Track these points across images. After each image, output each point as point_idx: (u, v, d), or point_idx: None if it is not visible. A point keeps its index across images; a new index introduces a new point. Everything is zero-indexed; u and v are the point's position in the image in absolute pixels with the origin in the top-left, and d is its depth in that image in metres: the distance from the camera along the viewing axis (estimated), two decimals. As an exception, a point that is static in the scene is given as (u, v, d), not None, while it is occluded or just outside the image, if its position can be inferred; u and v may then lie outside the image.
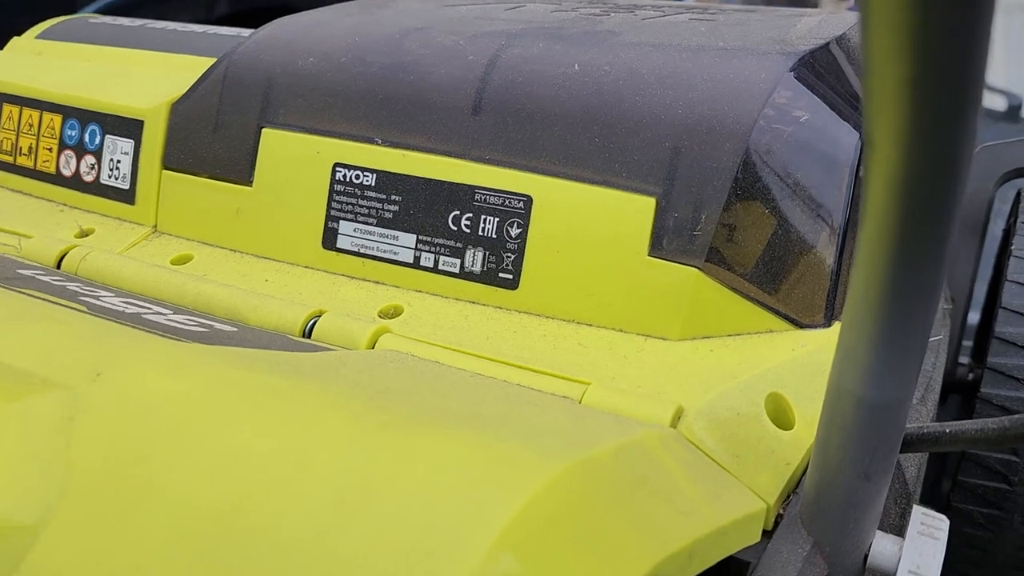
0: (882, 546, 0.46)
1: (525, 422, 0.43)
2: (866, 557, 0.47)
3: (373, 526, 0.32)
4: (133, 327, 0.50)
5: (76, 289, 0.59)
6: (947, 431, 0.46)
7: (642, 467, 0.42)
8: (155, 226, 0.74)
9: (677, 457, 0.45)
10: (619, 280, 0.56)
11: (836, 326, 0.57)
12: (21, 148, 0.82)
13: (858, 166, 0.58)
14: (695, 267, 0.54)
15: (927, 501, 0.96)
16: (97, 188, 0.77)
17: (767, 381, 0.52)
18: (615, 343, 0.55)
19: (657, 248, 0.55)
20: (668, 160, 0.55)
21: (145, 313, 0.56)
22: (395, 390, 0.45)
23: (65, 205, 0.79)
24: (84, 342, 0.47)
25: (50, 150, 0.80)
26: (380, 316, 0.61)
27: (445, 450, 0.36)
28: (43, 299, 0.52)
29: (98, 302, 0.57)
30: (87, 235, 0.74)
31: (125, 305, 0.58)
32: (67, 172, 0.79)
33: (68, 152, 0.79)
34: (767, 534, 0.48)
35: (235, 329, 0.56)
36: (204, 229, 0.71)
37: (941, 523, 0.47)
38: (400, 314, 0.60)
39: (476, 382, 0.50)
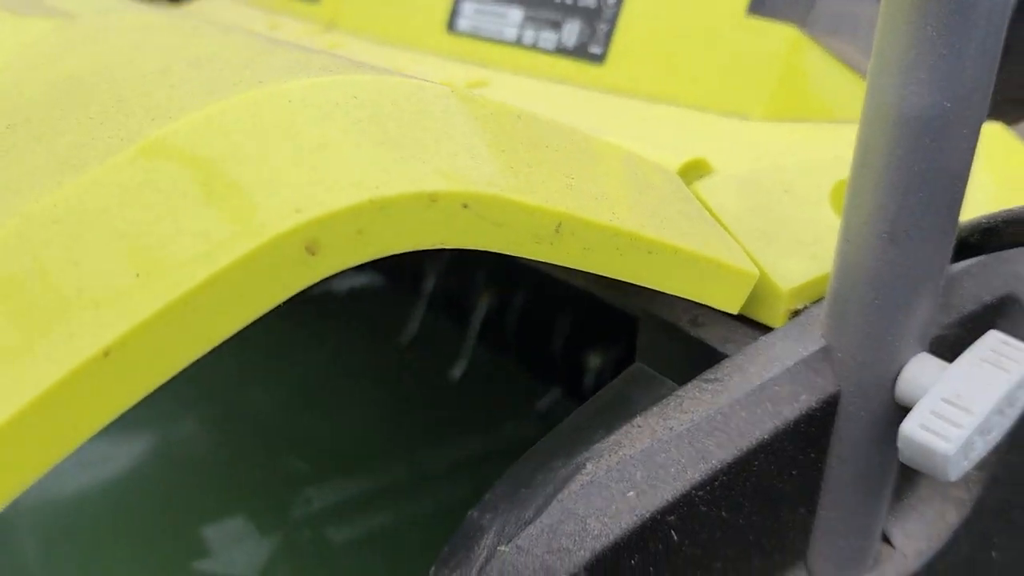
0: (919, 366, 0.32)
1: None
2: (896, 381, 0.33)
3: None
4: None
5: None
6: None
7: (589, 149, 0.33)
8: (331, 23, 0.74)
9: (655, 181, 0.35)
10: (708, 48, 0.46)
11: (987, 125, 0.42)
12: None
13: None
14: (796, 24, 0.43)
15: None
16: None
17: (846, 167, 0.39)
18: (685, 119, 0.45)
19: (758, 4, 0.44)
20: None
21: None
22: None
23: (269, 9, 0.82)
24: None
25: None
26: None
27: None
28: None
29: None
30: (273, 28, 0.76)
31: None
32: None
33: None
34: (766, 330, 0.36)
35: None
36: (359, 22, 0.70)
37: (1022, 354, 0.32)
38: (482, 87, 0.54)
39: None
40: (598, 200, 0.31)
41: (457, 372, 0.78)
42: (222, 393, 0.75)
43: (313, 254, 0.25)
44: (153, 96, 0.28)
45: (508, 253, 0.29)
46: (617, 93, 0.50)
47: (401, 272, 0.92)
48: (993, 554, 0.41)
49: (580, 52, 0.52)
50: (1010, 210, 0.32)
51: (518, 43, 0.56)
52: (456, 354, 0.79)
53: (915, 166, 0.29)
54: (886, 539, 0.38)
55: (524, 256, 0.29)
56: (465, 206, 0.27)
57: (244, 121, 0.27)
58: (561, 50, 0.53)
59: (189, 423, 0.72)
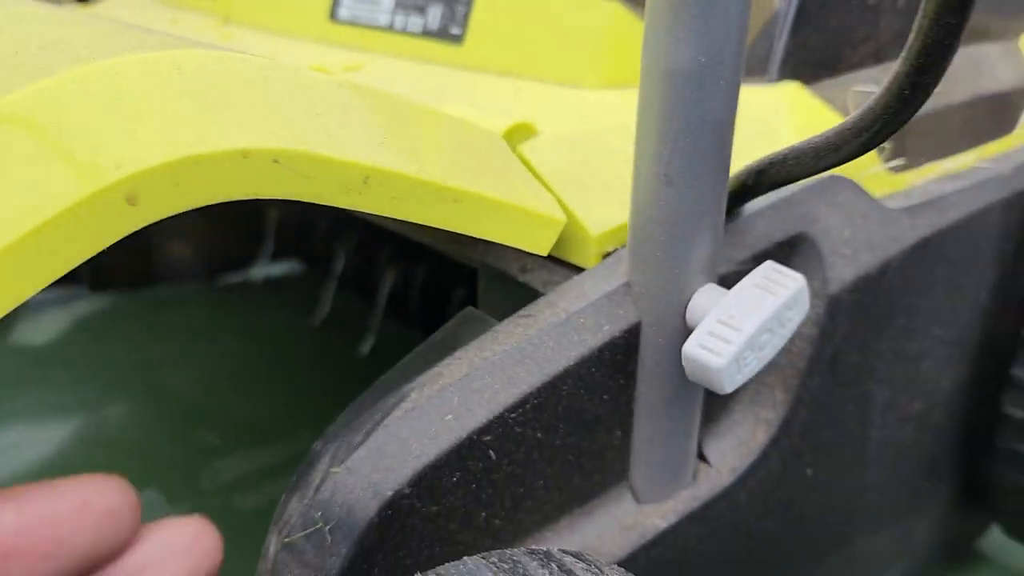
0: (705, 295, 0.37)
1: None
2: (686, 310, 0.37)
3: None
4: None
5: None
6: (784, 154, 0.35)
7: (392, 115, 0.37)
8: (227, 17, 0.77)
9: (473, 141, 0.39)
10: (548, 25, 0.50)
11: (785, 85, 0.46)
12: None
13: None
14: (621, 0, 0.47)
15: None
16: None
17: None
18: (524, 90, 0.49)
19: (590, -15, 0.48)
20: None
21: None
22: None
23: (172, 6, 0.85)
24: None
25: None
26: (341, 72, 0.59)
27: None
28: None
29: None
30: (174, 23, 0.79)
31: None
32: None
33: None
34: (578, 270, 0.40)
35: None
36: (252, 15, 0.73)
37: (792, 281, 0.36)
38: (356, 70, 0.58)
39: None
40: (407, 156, 0.34)
41: (365, 348, 0.81)
42: (142, 376, 0.78)
43: (133, 204, 0.29)
44: None
45: (321, 203, 0.32)
46: (472, 70, 0.54)
47: (318, 259, 0.96)
48: (808, 471, 0.45)
49: (442, 34, 0.56)
50: (774, 153, 0.36)
51: (391, 28, 0.60)
52: (364, 331, 0.82)
53: (681, 115, 0.33)
54: (704, 458, 0.42)
55: (337, 205, 0.33)
56: (275, 161, 0.31)
57: (74, 91, 0.31)
58: (427, 32, 0.57)
59: (108, 406, 0.75)
